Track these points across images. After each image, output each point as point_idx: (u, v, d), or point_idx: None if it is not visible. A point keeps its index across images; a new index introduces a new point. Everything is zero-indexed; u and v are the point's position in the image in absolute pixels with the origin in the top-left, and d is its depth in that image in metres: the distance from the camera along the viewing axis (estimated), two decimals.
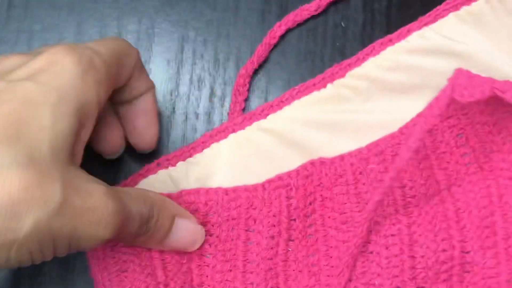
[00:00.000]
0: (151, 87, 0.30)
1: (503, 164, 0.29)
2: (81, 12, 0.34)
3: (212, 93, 0.33)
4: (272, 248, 0.29)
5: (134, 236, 0.25)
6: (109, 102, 0.29)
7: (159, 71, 0.34)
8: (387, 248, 0.28)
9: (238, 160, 0.31)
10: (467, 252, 0.28)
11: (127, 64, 0.27)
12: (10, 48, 0.34)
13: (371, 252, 0.29)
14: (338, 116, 0.31)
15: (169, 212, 0.27)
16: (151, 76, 0.33)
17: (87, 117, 0.24)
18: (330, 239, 0.29)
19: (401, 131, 0.30)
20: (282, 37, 0.34)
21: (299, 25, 0.34)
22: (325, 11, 0.34)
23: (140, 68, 0.29)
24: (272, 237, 0.29)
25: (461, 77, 0.26)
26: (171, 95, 0.34)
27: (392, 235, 0.29)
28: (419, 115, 0.30)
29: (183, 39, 0.34)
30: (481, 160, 0.29)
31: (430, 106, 0.26)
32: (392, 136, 0.30)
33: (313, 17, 0.34)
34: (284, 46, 0.34)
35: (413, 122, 0.30)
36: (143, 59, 0.33)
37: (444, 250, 0.28)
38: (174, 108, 0.34)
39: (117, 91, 0.28)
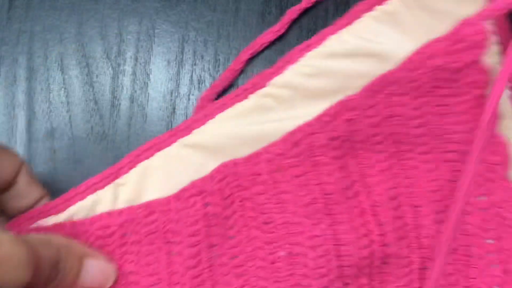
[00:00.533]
0: (43, 196, 0.29)
1: (410, 154, 0.29)
2: (81, 13, 0.34)
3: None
4: (195, 257, 0.28)
5: (46, 280, 0.25)
6: None
7: (159, 72, 0.34)
8: (313, 249, 0.28)
9: (167, 178, 0.30)
10: (386, 245, 0.29)
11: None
12: (11, 49, 0.34)
13: (297, 254, 0.28)
14: (263, 126, 0.30)
15: (76, 254, 0.26)
16: (151, 77, 0.33)
17: None
18: (253, 239, 0.29)
19: (319, 118, 0.29)
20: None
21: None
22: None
23: (27, 175, 0.28)
24: (194, 246, 0.28)
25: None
26: (171, 95, 0.34)
27: (317, 236, 0.28)
28: (338, 102, 0.29)
29: (184, 39, 0.34)
30: (391, 149, 0.29)
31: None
32: (308, 124, 0.29)
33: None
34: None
35: (333, 109, 0.29)
36: (143, 60, 0.34)
37: (366, 246, 0.28)
38: (174, 109, 0.34)
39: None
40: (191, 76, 0.34)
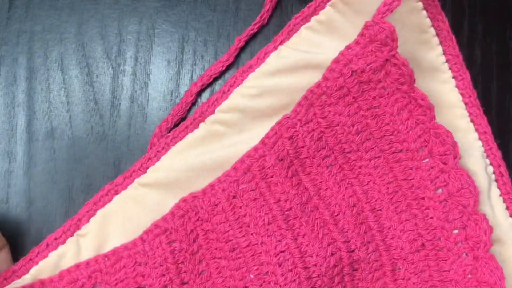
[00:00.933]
0: (3, 246, 0.29)
1: (361, 162, 0.30)
2: (81, 13, 0.34)
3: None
4: None
5: None
6: None
7: (159, 72, 0.34)
8: (280, 266, 0.29)
9: (127, 221, 0.30)
10: (353, 251, 0.29)
11: None
12: (11, 48, 0.34)
13: (267, 273, 0.29)
14: (217, 154, 0.31)
15: None
16: (151, 77, 0.33)
17: None
18: (223, 270, 0.29)
19: (263, 141, 0.30)
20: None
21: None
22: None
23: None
24: (165, 286, 0.28)
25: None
26: (172, 95, 0.34)
27: (282, 251, 0.29)
28: (277, 123, 0.30)
29: (184, 39, 0.34)
30: (341, 161, 0.30)
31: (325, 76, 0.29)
32: (255, 149, 0.30)
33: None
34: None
35: (274, 130, 0.30)
36: (143, 60, 0.34)
37: (332, 254, 0.29)
38: None
39: None
40: (191, 76, 0.34)
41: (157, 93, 0.34)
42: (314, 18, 0.32)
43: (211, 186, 0.30)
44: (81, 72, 0.34)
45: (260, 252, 0.29)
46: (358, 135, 0.30)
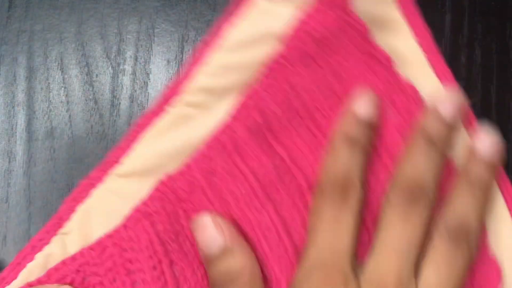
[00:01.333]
0: None
1: (327, 120, 0.30)
2: (81, 12, 0.34)
3: None
4: (159, 279, 0.28)
5: None
6: None
7: (159, 71, 0.34)
8: (265, 237, 0.28)
9: (109, 214, 0.29)
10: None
11: None
12: (11, 48, 0.34)
13: (253, 247, 0.29)
14: (189, 136, 0.30)
15: None
16: (151, 76, 0.33)
17: None
18: None
19: (232, 115, 0.30)
20: None
21: None
22: None
23: None
24: (155, 268, 0.28)
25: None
26: None
27: (264, 221, 0.29)
28: (243, 95, 0.30)
29: (183, 39, 0.34)
30: (307, 122, 0.30)
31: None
32: (225, 124, 0.30)
33: None
34: None
35: (240, 103, 0.30)
36: (143, 59, 0.34)
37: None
38: None
39: None
40: None
41: (157, 92, 0.34)
42: None
43: (187, 165, 0.29)
44: (81, 72, 0.34)
45: (243, 226, 0.29)
46: (321, 94, 0.30)
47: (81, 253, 0.28)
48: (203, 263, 0.29)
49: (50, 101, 0.33)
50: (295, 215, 0.29)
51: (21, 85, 0.33)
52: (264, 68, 0.30)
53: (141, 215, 0.29)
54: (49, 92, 0.34)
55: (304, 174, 0.30)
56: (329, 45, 0.30)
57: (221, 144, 0.29)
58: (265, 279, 0.28)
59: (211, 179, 0.29)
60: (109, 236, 0.29)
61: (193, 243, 0.29)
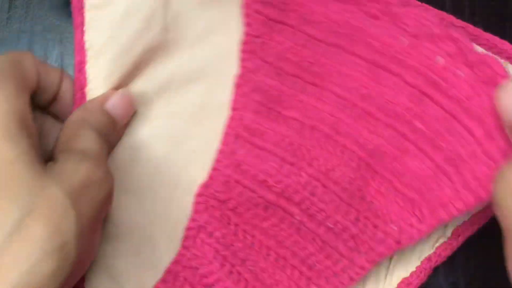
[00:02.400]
0: (62, 72, 0.29)
1: (326, 67, 0.30)
2: None
3: None
4: (239, 280, 0.29)
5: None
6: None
7: None
8: (313, 194, 0.29)
9: None
10: (365, 144, 0.29)
11: (27, 68, 0.26)
12: (11, 49, 0.34)
13: (308, 208, 0.29)
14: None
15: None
16: None
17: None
18: (268, 231, 0.29)
19: (234, 107, 0.30)
20: None
21: None
22: None
23: (41, 64, 0.28)
24: (231, 273, 0.29)
25: None
26: None
27: (307, 182, 0.29)
28: (235, 85, 0.30)
29: None
30: (309, 79, 0.30)
31: None
32: (231, 118, 0.30)
33: None
34: None
35: (236, 94, 0.30)
36: None
37: (351, 158, 0.29)
38: None
39: (35, 97, 0.27)
40: None
41: None
42: None
43: (214, 169, 0.30)
44: None
45: (290, 195, 0.29)
46: (306, 48, 0.30)
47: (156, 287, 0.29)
48: (270, 247, 0.29)
49: None
50: (330, 160, 0.29)
51: None
52: (240, 53, 0.30)
53: (195, 231, 0.29)
54: None
55: (321, 120, 0.30)
56: (288, 2, 0.29)
57: (234, 135, 0.29)
58: (330, 231, 0.29)
59: (241, 169, 0.29)
60: (176, 262, 0.29)
61: (253, 234, 0.29)
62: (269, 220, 0.29)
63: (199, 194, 0.29)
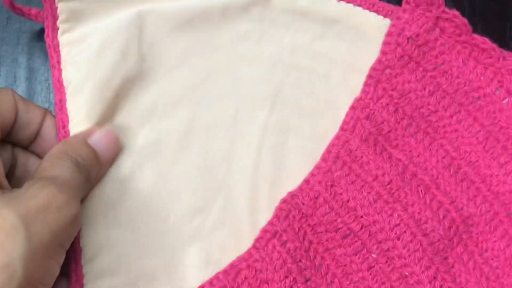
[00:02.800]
0: (46, 112, 0.29)
1: (443, 121, 0.30)
2: None
3: None
4: None
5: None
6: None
7: None
8: (399, 239, 0.29)
9: None
10: (461, 209, 0.29)
11: (3, 103, 0.27)
12: (11, 49, 0.33)
13: (388, 250, 0.29)
14: None
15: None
16: None
17: None
18: (340, 258, 0.29)
19: (343, 128, 0.30)
20: None
21: None
22: None
23: (22, 101, 0.28)
24: (290, 287, 0.28)
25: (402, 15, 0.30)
26: None
27: (397, 225, 0.29)
28: (350, 108, 0.30)
29: None
30: (423, 126, 0.30)
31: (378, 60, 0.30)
32: (337, 137, 0.30)
33: None
34: None
35: (349, 116, 0.30)
36: None
37: (444, 217, 0.29)
38: None
39: (14, 133, 0.28)
40: None
41: None
42: None
43: (306, 181, 0.30)
44: None
45: (375, 231, 0.29)
46: (432, 96, 0.30)
47: (217, 277, 0.28)
48: (336, 275, 0.29)
49: (51, 102, 0.33)
50: (427, 212, 0.29)
51: (21, 85, 0.33)
52: (367, 78, 0.30)
53: (270, 235, 0.29)
54: (49, 93, 0.33)
55: (426, 173, 0.30)
56: (432, 46, 0.30)
57: (338, 156, 0.30)
58: (403, 279, 0.29)
59: (334, 191, 0.29)
60: (242, 259, 0.29)
61: (323, 257, 0.29)
62: (344, 248, 0.29)
63: (284, 201, 0.29)
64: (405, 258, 0.29)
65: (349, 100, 0.31)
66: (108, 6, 0.31)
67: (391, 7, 0.31)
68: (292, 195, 0.29)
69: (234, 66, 0.31)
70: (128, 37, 0.30)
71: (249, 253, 0.29)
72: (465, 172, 0.30)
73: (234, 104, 0.30)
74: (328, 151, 0.30)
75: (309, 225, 0.29)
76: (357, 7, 0.31)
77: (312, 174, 0.30)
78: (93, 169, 0.27)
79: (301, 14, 0.31)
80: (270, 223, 0.29)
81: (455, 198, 0.30)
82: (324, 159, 0.30)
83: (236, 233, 0.30)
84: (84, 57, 0.30)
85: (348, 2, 0.31)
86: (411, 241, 0.29)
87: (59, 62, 0.30)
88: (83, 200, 0.28)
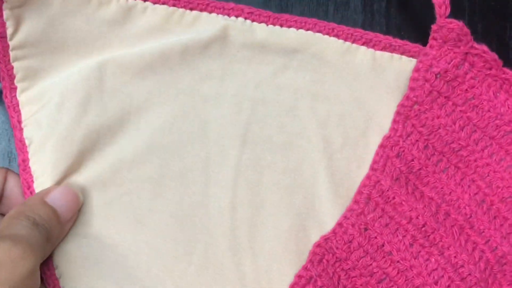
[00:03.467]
0: (7, 171, 0.29)
1: (474, 156, 0.30)
2: None
3: None
4: None
5: None
6: None
7: None
8: (437, 284, 0.29)
9: None
10: (496, 248, 0.29)
11: None
12: None
13: None
14: None
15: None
16: None
17: None
18: None
19: (373, 167, 0.30)
20: None
21: None
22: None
23: None
24: None
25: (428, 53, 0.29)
26: None
27: (434, 269, 0.29)
28: (380, 146, 0.30)
29: None
30: (454, 161, 0.30)
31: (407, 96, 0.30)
32: (368, 177, 0.30)
33: None
34: None
35: (379, 154, 0.30)
36: None
37: (480, 259, 0.29)
38: None
39: None
40: None
41: None
42: None
43: (339, 224, 0.29)
44: None
45: (412, 276, 0.29)
46: (462, 131, 0.30)
47: None
48: None
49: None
50: (463, 255, 0.29)
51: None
52: (395, 115, 0.30)
53: (305, 281, 0.29)
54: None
55: (460, 211, 0.29)
56: (461, 80, 0.30)
57: (369, 197, 0.30)
58: None
59: (368, 234, 0.29)
60: None
61: None
62: None
63: (318, 245, 0.29)
64: None
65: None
66: (65, 60, 0.30)
67: (350, 30, 0.31)
68: (326, 238, 0.29)
69: (199, 108, 0.30)
70: (88, 89, 0.29)
71: None
72: (498, 209, 0.30)
73: (205, 146, 0.30)
74: (359, 192, 0.30)
75: (343, 269, 0.29)
76: (317, 34, 0.31)
77: (345, 217, 0.29)
78: (54, 227, 0.27)
79: (261, 47, 0.31)
80: (305, 267, 0.29)
81: (489, 237, 0.29)
82: (356, 201, 0.30)
83: (221, 276, 0.29)
84: (44, 114, 0.29)
85: (307, 30, 0.31)
86: (449, 286, 0.29)
87: (19, 122, 0.30)
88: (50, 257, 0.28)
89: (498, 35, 0.33)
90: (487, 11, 0.34)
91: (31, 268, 0.24)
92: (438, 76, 0.30)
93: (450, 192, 0.30)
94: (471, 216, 0.29)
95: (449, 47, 0.30)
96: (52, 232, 0.27)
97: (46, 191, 0.28)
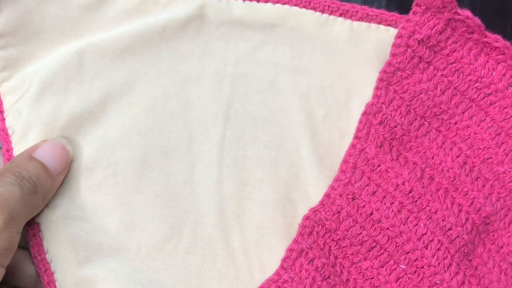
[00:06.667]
0: None
1: (455, 119, 0.30)
2: None
3: None
4: None
5: None
6: None
7: None
8: (427, 248, 0.29)
9: None
10: (479, 209, 0.30)
11: None
12: None
13: (416, 260, 0.29)
14: None
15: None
16: None
17: None
18: (366, 271, 0.29)
19: (357, 136, 0.30)
20: None
21: None
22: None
23: None
24: None
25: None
26: None
27: (423, 234, 0.29)
28: (363, 113, 0.30)
29: None
30: (436, 125, 0.30)
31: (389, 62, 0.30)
32: (352, 146, 0.30)
33: None
34: None
35: (362, 122, 0.30)
36: None
37: (466, 220, 0.29)
38: None
39: None
40: None
41: None
42: None
43: (327, 195, 0.30)
44: None
45: (402, 242, 0.29)
46: (443, 94, 0.30)
47: None
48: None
49: None
50: (450, 218, 0.29)
51: None
52: (377, 81, 0.30)
53: (296, 253, 0.29)
54: None
55: (443, 175, 0.30)
56: (441, 44, 0.30)
57: (355, 166, 0.30)
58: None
59: (356, 204, 0.29)
60: (271, 280, 0.29)
61: (349, 271, 0.29)
62: (370, 261, 0.29)
63: (306, 217, 0.29)
64: (434, 267, 0.29)
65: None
66: (44, 48, 0.30)
67: (327, 2, 0.31)
68: (314, 210, 0.29)
69: (181, 87, 0.30)
70: (68, 75, 0.29)
71: (277, 274, 0.29)
72: (479, 170, 0.30)
73: (188, 125, 0.30)
74: (345, 161, 0.30)
75: (333, 240, 0.29)
76: (294, 7, 0.31)
77: (332, 188, 0.30)
78: (43, 181, 0.27)
79: (239, 23, 0.31)
80: (295, 241, 0.29)
81: (473, 198, 0.30)
82: (342, 170, 0.30)
83: (210, 253, 0.29)
84: (24, 103, 0.29)
85: (283, 4, 0.31)
86: (439, 249, 0.29)
87: (1, 112, 0.30)
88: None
89: (498, 33, 0.33)
90: (487, 11, 0.35)
91: (12, 237, 0.25)
92: (421, 42, 0.30)
93: (433, 156, 0.30)
94: (454, 179, 0.30)
95: (432, 13, 0.30)
96: (40, 185, 0.27)
97: (34, 147, 0.28)
